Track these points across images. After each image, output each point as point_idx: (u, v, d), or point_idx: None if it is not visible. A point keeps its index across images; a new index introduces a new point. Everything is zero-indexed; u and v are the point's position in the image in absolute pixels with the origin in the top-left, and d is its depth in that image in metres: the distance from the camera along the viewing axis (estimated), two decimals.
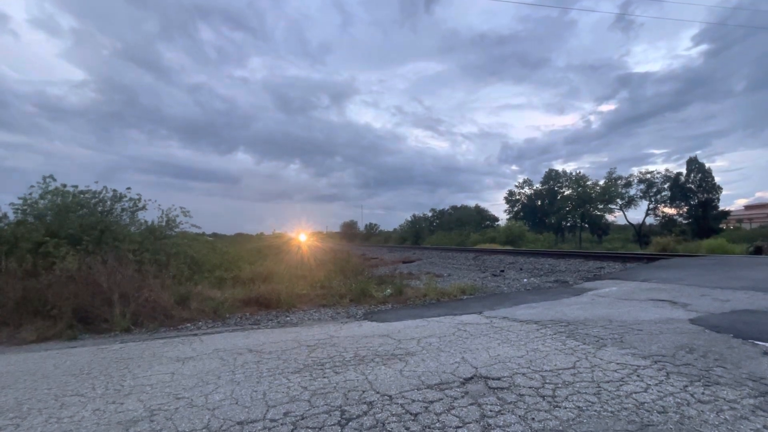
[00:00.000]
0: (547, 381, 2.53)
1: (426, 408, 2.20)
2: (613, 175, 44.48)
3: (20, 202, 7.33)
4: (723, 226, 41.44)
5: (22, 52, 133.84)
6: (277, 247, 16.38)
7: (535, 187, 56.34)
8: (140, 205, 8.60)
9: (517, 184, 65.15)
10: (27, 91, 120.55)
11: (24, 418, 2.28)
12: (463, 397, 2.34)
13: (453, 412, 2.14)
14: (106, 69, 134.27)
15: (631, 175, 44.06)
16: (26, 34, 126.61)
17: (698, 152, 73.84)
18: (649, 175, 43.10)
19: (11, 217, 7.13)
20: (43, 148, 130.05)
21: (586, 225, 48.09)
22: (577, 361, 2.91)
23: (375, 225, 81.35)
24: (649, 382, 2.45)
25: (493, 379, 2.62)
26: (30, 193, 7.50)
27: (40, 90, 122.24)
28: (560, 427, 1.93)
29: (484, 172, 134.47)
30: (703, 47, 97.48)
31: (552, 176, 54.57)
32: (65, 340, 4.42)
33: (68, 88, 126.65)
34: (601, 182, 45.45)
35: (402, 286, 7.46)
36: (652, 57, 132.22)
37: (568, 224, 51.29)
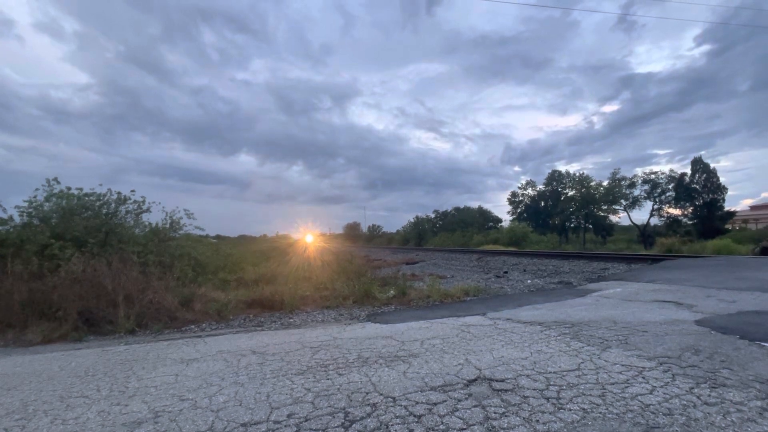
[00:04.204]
0: (552, 383, 2.52)
1: (430, 410, 2.19)
2: (617, 176, 44.29)
3: (25, 204, 7.40)
4: (728, 226, 41.04)
5: (26, 55, 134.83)
6: (280, 248, 16.42)
7: (538, 188, 56.00)
8: (144, 207, 8.66)
9: (520, 185, 64.74)
10: (31, 95, 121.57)
11: (30, 419, 2.29)
12: (466, 399, 2.33)
13: (457, 414, 2.14)
14: (109, 72, 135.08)
15: (635, 176, 43.79)
16: (31, 38, 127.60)
17: (702, 152, 73.07)
18: (653, 176, 42.79)
19: (17, 219, 7.19)
20: (48, 151, 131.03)
21: (590, 226, 47.83)
22: (582, 362, 2.90)
23: (378, 226, 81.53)
24: (654, 384, 2.43)
25: (497, 380, 2.61)
26: (35, 196, 7.57)
27: (44, 93, 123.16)
28: (565, 430, 1.92)
29: (486, 173, 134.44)
30: (707, 47, 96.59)
31: (555, 177, 54.26)
32: (70, 342, 4.45)
33: (72, 91, 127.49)
34: (605, 183, 45.31)
35: (405, 287, 7.44)
36: (655, 57, 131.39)
37: (572, 225, 50.99)
